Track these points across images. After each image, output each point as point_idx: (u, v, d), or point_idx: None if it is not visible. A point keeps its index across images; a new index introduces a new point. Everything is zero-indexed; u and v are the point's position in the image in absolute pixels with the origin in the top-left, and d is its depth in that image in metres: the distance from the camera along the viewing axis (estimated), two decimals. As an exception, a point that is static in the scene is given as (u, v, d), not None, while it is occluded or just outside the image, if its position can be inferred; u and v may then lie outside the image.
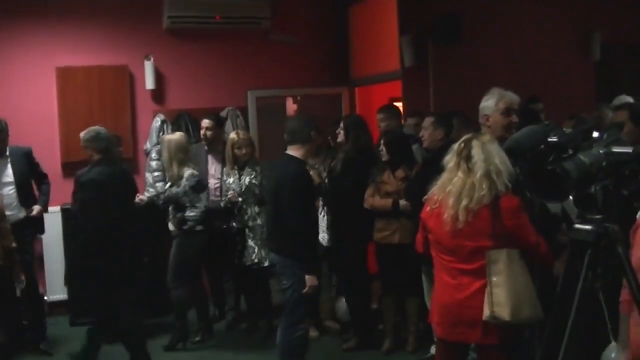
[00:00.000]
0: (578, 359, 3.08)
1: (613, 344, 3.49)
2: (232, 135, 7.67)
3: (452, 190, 4.24)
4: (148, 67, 9.04)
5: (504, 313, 4.12)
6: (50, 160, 8.39)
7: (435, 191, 4.38)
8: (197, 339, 7.56)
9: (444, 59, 8.50)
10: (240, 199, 7.42)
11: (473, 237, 4.21)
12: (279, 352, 5.95)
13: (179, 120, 9.08)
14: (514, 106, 4.96)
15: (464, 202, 4.17)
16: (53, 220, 7.92)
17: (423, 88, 8.50)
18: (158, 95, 9.26)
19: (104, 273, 6.15)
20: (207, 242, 7.44)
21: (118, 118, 8.96)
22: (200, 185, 7.29)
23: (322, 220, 7.20)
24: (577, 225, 2.90)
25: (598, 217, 2.86)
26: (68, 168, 8.59)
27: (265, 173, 7.24)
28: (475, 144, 4.29)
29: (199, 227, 7.28)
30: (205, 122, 7.83)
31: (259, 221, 7.31)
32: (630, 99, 6.67)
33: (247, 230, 7.42)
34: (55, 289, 8.37)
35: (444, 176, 4.35)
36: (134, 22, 9.12)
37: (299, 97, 10.22)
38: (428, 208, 4.44)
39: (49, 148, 8.57)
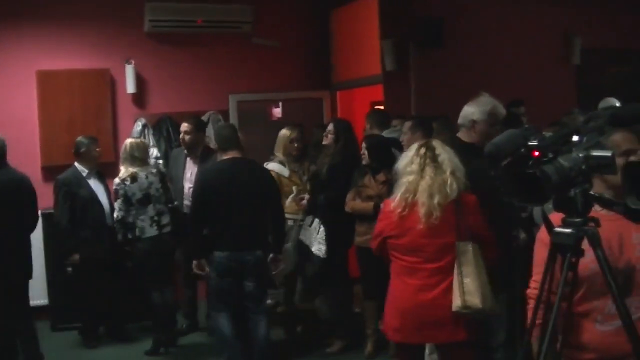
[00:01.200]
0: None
1: None
2: None
3: (423, 189, 4.45)
4: (129, 71, 9.02)
5: (476, 301, 4.34)
6: (30, 164, 8.35)
7: (400, 195, 4.53)
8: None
9: (426, 63, 8.53)
10: None
11: (443, 233, 4.45)
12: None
13: (160, 124, 9.07)
14: (500, 118, 5.04)
15: (437, 199, 4.42)
16: (34, 224, 7.86)
17: (404, 92, 8.52)
18: (139, 99, 9.25)
19: None
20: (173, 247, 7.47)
21: (99, 122, 8.93)
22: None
23: (316, 232, 7.10)
24: (557, 229, 2.91)
25: (578, 220, 2.88)
26: (48, 172, 8.58)
27: (213, 177, 6.46)
28: (436, 144, 4.63)
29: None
30: (184, 126, 7.73)
31: None
32: (616, 102, 6.69)
33: None
34: (36, 295, 8.31)
35: (408, 179, 4.54)
36: (115, 25, 9.09)
37: (280, 102, 10.20)
38: (394, 213, 4.55)
39: (29, 152, 8.54)
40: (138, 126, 8.92)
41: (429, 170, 4.52)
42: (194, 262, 6.38)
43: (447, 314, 4.42)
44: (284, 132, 7.48)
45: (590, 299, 3.14)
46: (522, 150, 2.92)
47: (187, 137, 7.70)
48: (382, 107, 8.65)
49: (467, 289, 4.36)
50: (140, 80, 9.15)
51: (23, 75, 8.72)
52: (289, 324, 7.68)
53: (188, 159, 7.84)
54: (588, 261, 2.95)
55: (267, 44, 9.72)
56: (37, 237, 7.96)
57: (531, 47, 9.16)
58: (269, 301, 7.92)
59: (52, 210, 7.74)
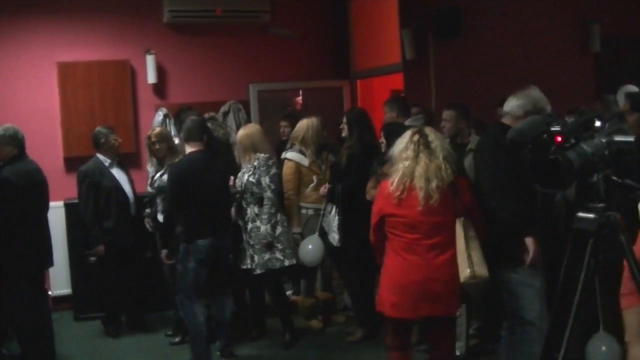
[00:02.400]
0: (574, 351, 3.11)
1: (601, 332, 3.52)
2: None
3: (420, 174, 4.77)
4: (149, 61, 9.05)
5: (483, 271, 4.77)
6: (52, 155, 8.44)
7: (397, 179, 4.82)
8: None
9: (445, 52, 8.51)
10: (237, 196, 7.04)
11: (440, 213, 4.78)
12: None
13: (181, 114, 9.07)
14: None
15: (435, 183, 4.74)
16: (56, 215, 7.91)
17: (424, 80, 8.51)
18: (159, 89, 9.28)
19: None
20: None
21: (119, 113, 8.98)
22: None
23: (334, 221, 7.12)
24: (580, 214, 2.92)
25: (600, 205, 2.88)
26: (70, 163, 8.63)
27: (189, 168, 6.51)
28: (429, 132, 4.98)
29: None
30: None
31: (257, 223, 6.93)
32: (635, 88, 6.67)
33: (244, 234, 7.01)
34: (60, 284, 8.41)
35: (405, 165, 4.84)
36: (134, 16, 9.13)
37: (300, 90, 10.22)
38: (391, 195, 4.84)
39: (50, 143, 8.61)
40: (159, 116, 8.93)
41: (423, 156, 4.83)
42: (164, 251, 6.70)
43: (443, 289, 4.79)
44: (314, 121, 7.42)
45: None
46: (545, 136, 2.93)
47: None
48: (402, 95, 8.60)
49: (474, 260, 4.75)
50: (160, 71, 9.17)
51: (44, 67, 8.76)
52: (310, 313, 7.69)
53: None
54: None
55: (286, 34, 9.73)
56: (59, 227, 8.06)
57: (550, 35, 9.11)
58: (288, 292, 8.00)
59: (74, 201, 7.80)
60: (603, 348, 3.53)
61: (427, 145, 4.87)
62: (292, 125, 7.79)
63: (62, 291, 8.49)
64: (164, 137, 7.39)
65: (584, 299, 2.99)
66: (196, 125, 6.66)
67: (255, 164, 6.95)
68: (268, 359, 7.01)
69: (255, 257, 6.90)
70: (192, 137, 6.57)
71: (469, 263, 4.74)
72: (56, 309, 8.20)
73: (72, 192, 7.74)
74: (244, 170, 7.01)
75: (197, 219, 6.41)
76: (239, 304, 7.28)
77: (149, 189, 7.44)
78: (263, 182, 6.89)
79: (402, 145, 4.94)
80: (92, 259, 7.51)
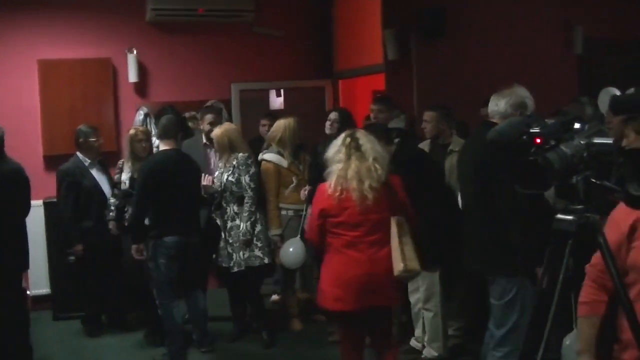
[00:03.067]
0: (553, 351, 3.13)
1: (574, 331, 3.55)
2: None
3: (352, 176, 5.01)
4: (131, 59, 9.01)
5: (415, 265, 5.10)
6: (32, 154, 8.38)
7: (334, 182, 5.06)
8: None
9: (428, 53, 8.50)
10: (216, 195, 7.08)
11: (377, 211, 5.05)
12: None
13: (162, 113, 9.03)
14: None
15: (368, 183, 4.98)
16: (36, 213, 7.76)
17: (406, 81, 8.49)
18: (141, 88, 9.25)
19: None
20: None
21: (101, 111, 8.94)
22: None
23: None
24: (559, 215, 2.92)
25: (579, 207, 2.88)
26: (50, 161, 8.58)
27: (161, 165, 6.61)
28: (360, 135, 5.21)
29: None
30: (210, 117, 7.64)
31: (237, 221, 7.00)
32: (617, 91, 6.70)
33: (224, 232, 7.08)
34: (39, 283, 8.35)
35: (339, 167, 5.07)
36: (116, 14, 9.09)
37: (282, 90, 10.21)
38: (331, 197, 5.06)
39: (31, 141, 8.55)
40: (140, 115, 8.90)
41: (354, 159, 5.08)
42: (135, 246, 6.69)
43: (384, 281, 5.09)
44: (290, 121, 7.38)
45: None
46: (525, 137, 2.93)
47: (212, 128, 7.42)
48: (384, 94, 8.60)
49: (407, 255, 5.07)
50: (142, 69, 9.14)
51: (24, 65, 8.71)
52: (301, 310, 7.69)
53: (210, 150, 7.66)
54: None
55: (269, 33, 9.71)
56: (39, 226, 8.02)
57: (533, 37, 9.12)
58: (274, 296, 8.00)
59: (54, 200, 7.76)
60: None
61: (357, 148, 5.11)
62: (273, 124, 7.77)
63: (41, 291, 8.43)
64: (149, 136, 7.38)
65: (563, 299, 2.99)
66: (170, 123, 6.75)
67: (234, 163, 6.98)
68: (251, 357, 7.00)
69: (234, 256, 6.97)
70: (165, 135, 6.68)
71: (402, 257, 5.04)
72: (35, 308, 8.15)
73: (52, 190, 7.69)
74: (222, 169, 7.05)
75: (166, 215, 6.51)
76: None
77: (116, 191, 7.40)
78: (243, 181, 6.93)
79: (335, 148, 5.19)
80: (71, 258, 7.46)
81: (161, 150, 6.73)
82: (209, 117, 7.66)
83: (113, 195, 7.39)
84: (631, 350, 3.07)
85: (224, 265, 7.05)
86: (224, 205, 7.05)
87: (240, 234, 6.92)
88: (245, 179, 6.93)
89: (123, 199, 7.16)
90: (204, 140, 7.65)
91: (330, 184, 5.09)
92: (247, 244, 6.94)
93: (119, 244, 7.53)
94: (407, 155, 6.19)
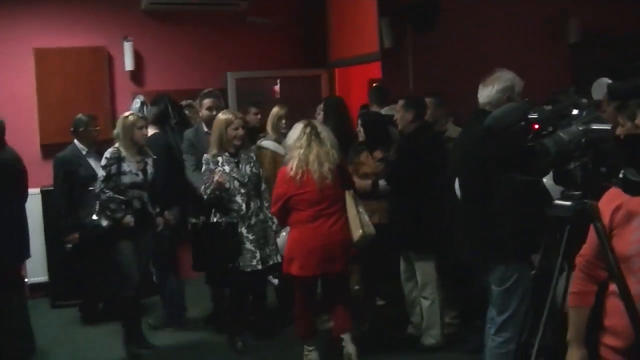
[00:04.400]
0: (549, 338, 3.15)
1: None
2: (227, 115, 6.70)
3: (313, 160, 5.85)
4: (127, 48, 9.01)
5: (371, 230, 6.07)
6: (28, 142, 8.39)
7: (295, 165, 5.86)
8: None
9: (423, 41, 8.50)
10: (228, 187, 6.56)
11: (333, 188, 5.93)
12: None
13: (158, 101, 9.04)
14: None
15: (327, 166, 5.85)
16: (33, 202, 7.75)
17: (402, 69, 8.51)
18: (137, 76, 9.25)
19: None
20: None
21: (96, 100, 8.93)
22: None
23: None
24: (556, 202, 2.93)
25: (576, 193, 2.90)
26: (46, 150, 8.59)
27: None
28: (317, 124, 6.11)
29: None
30: (210, 102, 7.52)
31: (261, 216, 6.66)
32: (609, 81, 6.71)
33: (244, 229, 6.57)
34: (36, 271, 8.36)
35: (300, 152, 5.88)
36: (112, 3, 9.09)
37: (277, 79, 10.21)
38: (293, 179, 5.87)
39: (27, 130, 8.55)
40: (136, 103, 8.89)
41: (314, 145, 5.89)
42: (167, 212, 7.21)
43: (340, 250, 5.96)
44: (274, 110, 7.44)
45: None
46: (522, 123, 2.94)
47: (216, 113, 7.22)
48: (380, 85, 8.61)
49: (363, 222, 6.02)
50: (138, 58, 9.15)
51: (20, 53, 8.71)
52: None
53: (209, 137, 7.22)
54: (632, 240, 2.98)
55: (263, 22, 9.71)
56: (36, 215, 8.02)
57: (527, 27, 9.13)
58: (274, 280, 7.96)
59: (51, 188, 7.74)
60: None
61: (317, 135, 5.94)
62: (262, 112, 7.77)
63: (38, 278, 8.45)
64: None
65: (560, 282, 3.02)
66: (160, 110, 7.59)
67: (251, 154, 6.80)
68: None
69: (258, 253, 6.59)
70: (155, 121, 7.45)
71: (360, 225, 5.97)
72: (33, 296, 8.17)
73: (49, 179, 7.68)
74: (238, 161, 6.66)
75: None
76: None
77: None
78: (260, 173, 6.79)
79: (296, 135, 5.97)
80: (69, 246, 7.47)
81: (158, 133, 7.34)
82: (207, 101, 7.52)
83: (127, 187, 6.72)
84: (615, 337, 3.11)
85: (247, 270, 6.57)
86: (246, 200, 6.60)
87: (274, 226, 6.69)
88: (261, 170, 6.79)
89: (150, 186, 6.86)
90: (205, 129, 7.45)
91: (292, 168, 5.89)
92: (277, 234, 6.72)
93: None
94: (423, 142, 6.32)
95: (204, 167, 6.65)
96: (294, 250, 6.00)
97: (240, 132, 6.61)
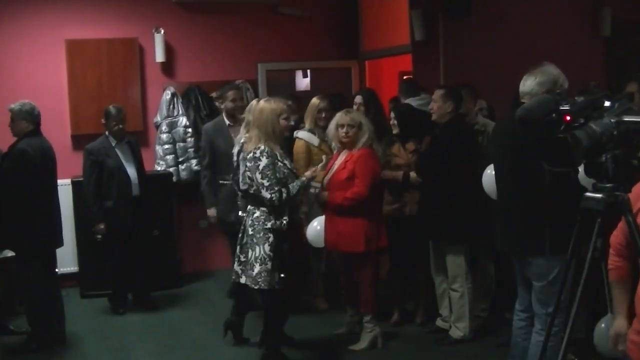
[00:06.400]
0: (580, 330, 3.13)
1: (609, 315, 3.51)
2: (275, 104, 5.93)
3: None
4: (158, 39, 9.02)
5: None
6: (59, 133, 8.42)
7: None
8: None
9: (454, 33, 8.46)
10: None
11: None
12: None
13: (189, 93, 9.08)
14: None
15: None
16: (64, 192, 7.82)
17: (433, 62, 8.46)
18: (168, 68, 9.25)
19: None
20: None
21: (127, 91, 8.97)
22: None
23: None
24: (588, 194, 2.90)
25: (608, 185, 2.87)
26: (77, 141, 8.65)
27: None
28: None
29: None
30: (233, 94, 7.52)
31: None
32: None
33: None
34: (66, 262, 8.40)
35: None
36: (143, -6, 9.11)
37: (308, 70, 10.19)
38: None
39: (58, 121, 8.59)
40: (167, 95, 8.94)
41: None
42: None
43: None
44: (313, 101, 7.36)
45: None
46: (554, 115, 2.91)
47: (240, 104, 7.36)
48: (411, 77, 8.58)
49: None
50: (168, 49, 9.15)
51: (52, 45, 8.75)
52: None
53: (233, 131, 7.16)
54: None
55: (294, 13, 9.68)
56: (67, 205, 8.06)
57: (559, 17, 9.05)
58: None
59: (81, 179, 7.80)
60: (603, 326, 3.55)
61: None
62: (297, 105, 7.71)
63: (69, 269, 8.50)
64: None
65: (591, 278, 2.99)
66: None
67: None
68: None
69: None
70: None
71: None
72: (63, 286, 8.13)
73: (80, 170, 7.74)
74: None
75: None
76: None
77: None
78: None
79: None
80: (99, 236, 7.53)
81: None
82: (231, 93, 7.52)
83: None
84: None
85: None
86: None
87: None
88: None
89: None
90: (227, 121, 7.48)
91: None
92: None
93: (146, 222, 7.64)
94: (458, 133, 6.31)
95: (266, 161, 5.71)
96: (372, 226, 6.25)
97: (290, 121, 6.16)
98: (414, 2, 8.50)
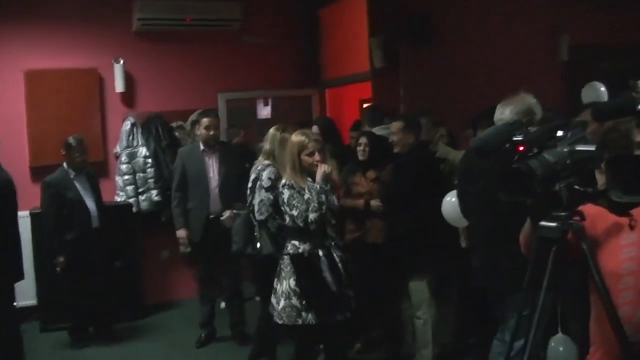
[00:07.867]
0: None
1: (559, 335, 3.59)
2: (300, 137, 5.65)
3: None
4: (118, 69, 8.99)
5: None
6: (18, 164, 8.32)
7: None
8: None
9: (414, 60, 8.52)
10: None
11: None
12: None
13: (149, 123, 9.04)
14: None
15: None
16: (22, 224, 7.63)
17: (393, 88, 8.51)
18: (128, 97, 9.22)
19: None
20: None
21: (88, 121, 8.91)
22: None
23: None
24: (543, 223, 2.92)
25: (563, 214, 2.88)
26: (36, 172, 8.55)
27: None
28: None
29: None
30: (209, 121, 7.38)
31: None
32: (601, 86, 6.77)
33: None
34: (25, 295, 8.28)
35: None
36: (103, 24, 9.05)
37: (269, 99, 10.21)
38: None
39: (17, 152, 8.49)
40: (127, 125, 8.90)
41: None
42: None
43: None
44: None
45: None
46: (508, 145, 2.93)
47: (214, 132, 7.36)
48: (372, 105, 8.60)
49: None
50: (129, 79, 9.12)
51: (11, 75, 8.67)
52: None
53: (209, 158, 7.41)
54: (623, 259, 2.96)
55: (257, 41, 9.70)
56: (25, 238, 7.93)
57: (519, 43, 9.15)
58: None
59: (40, 211, 7.72)
60: (561, 349, 3.65)
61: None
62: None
63: (28, 302, 8.38)
64: None
65: (547, 303, 3.01)
66: None
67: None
68: None
69: None
70: None
71: None
72: (22, 320, 8.08)
73: (38, 201, 7.67)
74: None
75: None
76: None
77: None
78: None
79: None
80: (58, 269, 7.45)
81: None
82: (205, 120, 7.39)
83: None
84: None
85: None
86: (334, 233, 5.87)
87: None
88: None
89: None
90: (202, 147, 7.45)
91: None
92: None
93: (108, 253, 7.57)
94: (421, 162, 6.31)
95: (288, 193, 5.56)
96: None
97: (317, 157, 5.59)
98: (374, 29, 8.55)
